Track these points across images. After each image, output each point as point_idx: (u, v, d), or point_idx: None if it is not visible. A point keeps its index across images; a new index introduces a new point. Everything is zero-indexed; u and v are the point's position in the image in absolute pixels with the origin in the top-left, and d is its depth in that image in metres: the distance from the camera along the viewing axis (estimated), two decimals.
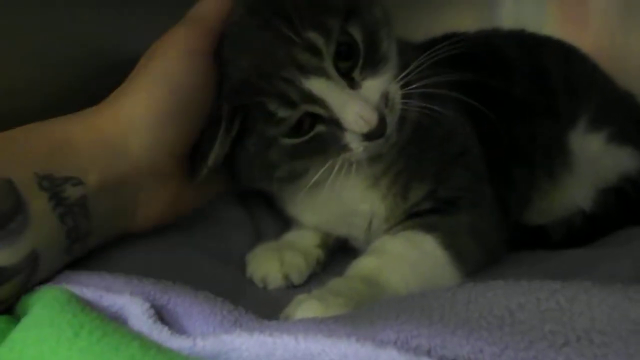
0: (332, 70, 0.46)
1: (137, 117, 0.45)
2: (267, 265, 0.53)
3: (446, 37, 0.72)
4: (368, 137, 0.46)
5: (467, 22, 0.95)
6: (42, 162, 0.39)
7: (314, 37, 0.45)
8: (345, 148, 0.47)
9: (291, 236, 0.58)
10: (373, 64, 0.47)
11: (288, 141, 0.47)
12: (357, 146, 0.47)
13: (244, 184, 0.55)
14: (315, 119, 0.47)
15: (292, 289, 0.53)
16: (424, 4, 0.97)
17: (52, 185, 0.38)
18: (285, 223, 0.63)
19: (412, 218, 0.54)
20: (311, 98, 0.45)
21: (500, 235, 0.56)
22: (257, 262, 0.54)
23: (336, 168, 0.48)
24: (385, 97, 0.47)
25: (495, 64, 0.67)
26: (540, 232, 0.64)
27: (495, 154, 0.59)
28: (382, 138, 0.46)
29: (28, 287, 0.38)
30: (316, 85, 0.45)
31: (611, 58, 0.85)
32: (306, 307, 0.41)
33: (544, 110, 0.67)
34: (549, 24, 0.91)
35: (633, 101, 0.74)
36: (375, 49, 0.48)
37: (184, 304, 0.39)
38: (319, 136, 0.47)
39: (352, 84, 0.46)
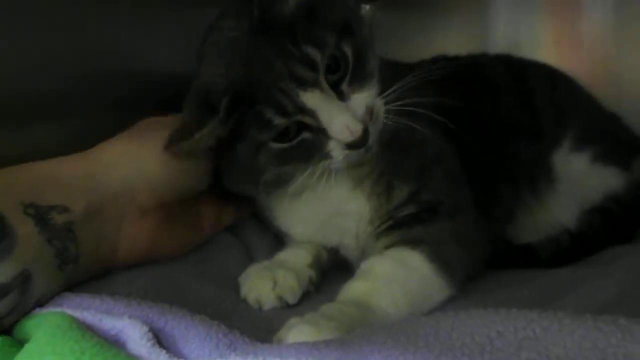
0: (325, 84, 0.48)
1: (118, 156, 0.50)
2: (261, 286, 0.54)
3: (435, 60, 0.75)
4: (350, 146, 0.49)
5: (461, 43, 0.98)
6: (28, 193, 0.42)
7: (313, 52, 0.48)
8: (327, 155, 0.50)
9: (283, 256, 0.59)
10: (360, 79, 0.50)
11: (276, 146, 0.50)
12: (338, 154, 0.50)
13: (228, 187, 0.57)
14: (302, 126, 0.49)
15: (287, 308, 0.54)
16: (420, 25, 1.00)
17: (37, 212, 0.41)
18: (275, 244, 0.64)
19: (396, 229, 0.55)
20: (304, 109, 0.48)
21: (483, 236, 0.57)
22: (250, 284, 0.55)
23: (317, 174, 0.51)
24: (370, 111, 0.50)
25: (482, 86, 0.70)
26: (528, 251, 0.66)
27: (481, 170, 0.61)
28: (363, 148, 0.49)
29: (26, 305, 0.40)
30: (310, 98, 0.48)
31: (604, 78, 0.88)
32: (298, 331, 0.42)
33: (528, 130, 0.69)
34: (542, 45, 0.93)
35: (618, 122, 0.76)
36: (362, 65, 0.51)
37: (181, 327, 0.40)
38: (304, 142, 0.50)
39: (341, 96, 0.49)
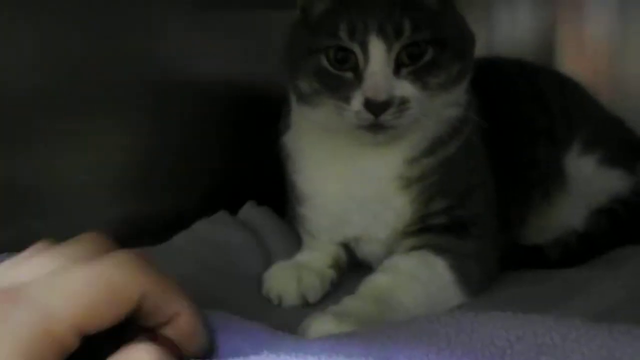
0: (394, 52, 0.52)
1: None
2: (285, 283, 0.56)
3: None
4: (366, 104, 0.51)
5: None
6: None
7: (407, 27, 0.51)
8: (347, 99, 0.52)
9: (304, 256, 0.61)
10: (420, 79, 0.53)
11: (324, 62, 0.54)
12: (354, 104, 0.52)
13: (281, 67, 0.60)
14: (352, 66, 0.53)
15: (306, 307, 0.56)
16: None
17: None
18: (292, 243, 0.67)
19: (425, 232, 0.58)
20: (365, 47, 0.52)
21: (497, 263, 0.61)
22: (274, 280, 0.57)
23: (334, 112, 0.54)
24: (403, 102, 0.52)
25: (502, 88, 0.71)
26: (538, 252, 0.67)
27: (502, 174, 0.63)
28: (372, 117, 0.51)
29: None
30: (377, 45, 0.51)
31: (608, 82, 0.90)
32: (320, 323, 0.44)
33: (545, 134, 0.71)
34: (547, 49, 0.94)
35: (623, 126, 0.78)
36: (428, 75, 0.53)
37: (212, 324, 0.41)
38: (341, 78, 0.53)
39: (396, 72, 0.52)
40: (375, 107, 0.51)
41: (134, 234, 0.64)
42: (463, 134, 0.59)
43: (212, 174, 0.78)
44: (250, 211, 0.73)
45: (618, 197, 0.71)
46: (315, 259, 0.61)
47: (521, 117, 0.71)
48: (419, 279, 0.53)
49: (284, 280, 0.57)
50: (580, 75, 0.81)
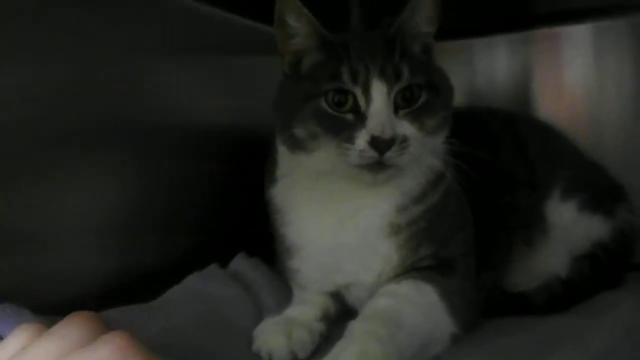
0: (392, 94, 0.55)
1: None
2: (275, 340, 0.56)
3: None
4: (372, 142, 0.53)
5: None
6: None
7: (405, 71, 0.55)
8: (351, 139, 0.54)
9: (293, 311, 0.62)
10: (417, 120, 0.56)
11: (324, 105, 0.56)
12: (359, 143, 0.54)
13: (273, 112, 0.62)
14: (352, 108, 0.56)
15: None
16: None
17: None
18: (283, 294, 0.67)
19: (414, 271, 0.60)
20: (368, 91, 0.55)
21: (481, 303, 0.63)
22: (264, 337, 0.57)
23: (336, 153, 0.55)
24: (405, 140, 0.55)
25: (484, 137, 0.74)
26: (523, 299, 0.69)
27: (482, 220, 0.65)
28: (377, 155, 0.54)
29: None
30: (378, 88, 0.55)
31: (585, 126, 0.93)
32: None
33: (524, 182, 0.73)
34: (525, 94, 0.98)
35: (601, 170, 0.80)
36: (424, 117, 0.57)
37: None
38: (343, 120, 0.56)
39: (395, 112, 0.56)
40: (381, 144, 0.53)
41: (123, 286, 0.64)
42: (445, 180, 0.61)
43: (202, 224, 0.78)
44: (241, 263, 0.74)
45: (599, 242, 0.73)
46: (305, 312, 0.61)
47: (500, 165, 0.73)
48: (416, 303, 0.56)
49: (274, 336, 0.57)
50: (558, 118, 0.84)
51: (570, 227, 0.73)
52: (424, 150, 0.57)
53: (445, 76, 0.62)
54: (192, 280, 0.67)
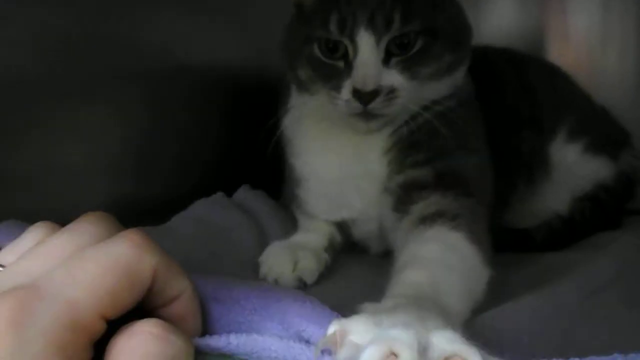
0: (383, 43, 0.53)
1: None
2: (281, 266, 0.57)
3: None
4: (355, 93, 0.53)
5: None
6: None
7: (397, 18, 0.53)
8: (338, 87, 0.54)
9: (300, 238, 0.62)
10: (410, 69, 0.54)
11: (316, 52, 0.56)
12: (344, 93, 0.54)
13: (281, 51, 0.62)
14: (343, 55, 0.55)
15: (303, 288, 0.56)
16: None
17: None
18: (286, 224, 0.68)
19: (423, 199, 0.56)
20: (353, 40, 0.53)
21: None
22: (270, 263, 0.58)
23: (326, 100, 0.56)
24: (392, 91, 0.53)
25: (491, 77, 0.73)
26: (523, 235, 0.70)
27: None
28: (361, 106, 0.53)
29: None
30: (365, 37, 0.53)
31: (589, 70, 0.92)
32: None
33: (529, 123, 0.73)
34: (531, 38, 0.97)
35: (606, 114, 0.80)
36: (419, 65, 0.55)
37: (213, 293, 0.39)
38: (333, 67, 0.55)
39: (386, 61, 0.54)
40: (363, 96, 0.53)
41: (132, 215, 0.65)
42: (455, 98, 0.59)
43: (207, 158, 0.79)
44: (245, 194, 0.75)
45: (601, 184, 0.74)
46: (311, 240, 0.62)
47: (507, 106, 0.73)
48: (451, 266, 0.47)
49: (280, 262, 0.57)
50: (564, 65, 0.83)
51: (573, 168, 0.74)
52: (420, 97, 0.56)
53: (459, 17, 0.60)
54: (197, 207, 0.68)
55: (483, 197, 0.59)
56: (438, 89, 0.58)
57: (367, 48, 0.53)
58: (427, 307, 0.39)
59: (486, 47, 0.80)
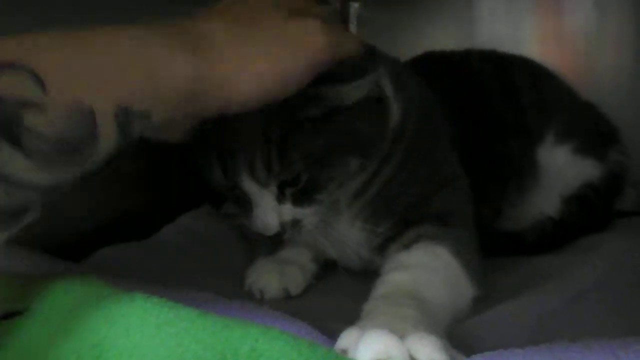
0: (274, 188, 0.50)
1: (227, 75, 0.41)
2: (267, 277, 0.57)
3: (425, 57, 0.78)
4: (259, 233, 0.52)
5: (448, 38, 1.01)
6: (126, 94, 0.36)
7: (277, 169, 0.49)
8: (249, 217, 0.53)
9: (286, 252, 0.62)
10: (302, 200, 0.51)
11: (218, 179, 0.51)
12: (250, 226, 0.53)
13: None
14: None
15: (289, 299, 0.57)
16: (407, 22, 1.03)
17: (126, 120, 0.36)
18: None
19: (411, 228, 0.55)
20: (241, 188, 0.51)
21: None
22: (256, 275, 0.58)
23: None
24: (297, 222, 0.52)
25: (472, 85, 0.72)
26: (514, 238, 0.70)
27: (472, 170, 0.63)
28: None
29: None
30: (251, 185, 0.50)
31: (585, 71, 0.92)
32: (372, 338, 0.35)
33: (516, 128, 0.72)
34: (526, 40, 0.97)
35: (595, 112, 0.79)
36: (310, 193, 0.51)
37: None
38: (237, 196, 0.53)
39: (280, 197, 0.51)
40: (269, 235, 0.52)
41: (119, 227, 0.65)
42: (398, 151, 0.56)
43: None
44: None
45: (590, 183, 0.73)
46: (297, 253, 0.62)
47: (492, 113, 0.72)
48: (434, 269, 0.49)
49: (265, 274, 0.58)
50: (558, 66, 0.83)
51: (562, 170, 0.73)
52: (337, 203, 0.54)
53: (367, 113, 0.51)
54: (185, 220, 0.68)
55: (465, 220, 0.58)
56: (359, 180, 0.55)
57: (256, 195, 0.50)
58: (407, 304, 0.42)
59: (468, 51, 0.80)
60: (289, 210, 0.51)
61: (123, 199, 0.69)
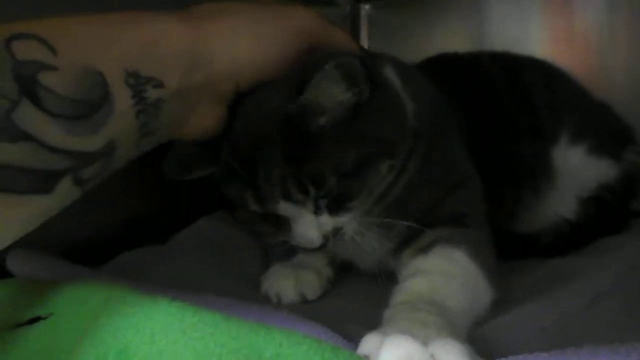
0: (310, 205, 0.50)
1: (225, 38, 0.45)
2: (283, 281, 0.58)
3: (439, 58, 0.78)
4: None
5: (458, 39, 1.01)
6: (132, 59, 0.40)
7: (310, 187, 0.49)
8: (285, 236, 0.53)
9: (302, 257, 0.62)
10: (337, 208, 0.51)
11: (254, 207, 0.52)
12: (293, 243, 0.53)
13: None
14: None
15: (305, 304, 0.57)
16: (418, 23, 1.03)
17: (136, 84, 0.39)
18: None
19: (426, 231, 0.54)
20: (278, 213, 0.51)
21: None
22: (273, 280, 0.58)
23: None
24: (337, 231, 0.52)
25: (483, 87, 0.72)
26: (529, 240, 0.70)
27: (485, 172, 0.62)
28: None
29: (104, 174, 0.40)
30: (288, 207, 0.50)
31: (597, 71, 0.92)
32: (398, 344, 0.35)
33: (529, 130, 0.72)
34: (537, 40, 0.96)
35: (609, 112, 0.79)
36: (344, 200, 0.51)
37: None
38: (275, 217, 0.52)
39: (317, 210, 0.51)
40: (313, 248, 0.52)
41: (135, 233, 0.65)
42: (418, 148, 0.56)
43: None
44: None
45: (606, 184, 0.73)
46: (313, 258, 0.62)
47: (505, 115, 0.72)
48: (452, 275, 0.48)
49: (282, 278, 0.58)
50: (569, 65, 0.83)
51: (578, 171, 0.73)
52: (370, 206, 0.53)
53: (388, 114, 0.53)
54: (201, 224, 0.69)
55: (480, 221, 0.58)
56: (387, 181, 0.54)
57: (295, 215, 0.51)
58: (427, 310, 0.42)
59: (481, 53, 0.80)
60: (328, 220, 0.51)
61: (139, 203, 0.70)
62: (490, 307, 0.49)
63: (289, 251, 0.63)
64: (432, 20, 1.03)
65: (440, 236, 0.53)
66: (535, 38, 0.97)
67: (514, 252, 0.66)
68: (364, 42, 1.09)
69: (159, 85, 0.41)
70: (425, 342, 0.34)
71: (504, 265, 0.62)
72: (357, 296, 0.59)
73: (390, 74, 0.56)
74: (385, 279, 0.54)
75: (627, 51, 0.91)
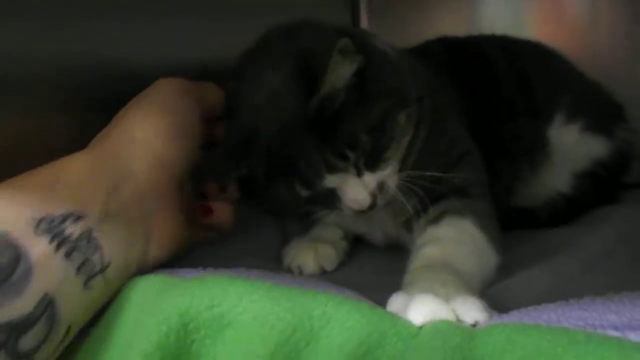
0: (352, 169, 0.53)
1: (138, 136, 0.47)
2: (303, 255, 0.62)
3: (439, 41, 0.82)
4: (357, 211, 0.55)
5: (452, 22, 1.06)
6: (37, 204, 0.38)
7: (347, 151, 0.52)
8: (335, 207, 0.56)
9: (318, 231, 0.67)
10: (375, 163, 0.54)
11: (305, 192, 0.54)
12: (347, 211, 0.56)
13: (266, 214, 0.65)
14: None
15: (325, 274, 0.61)
16: (414, 7, 1.06)
17: (50, 227, 0.37)
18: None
19: (434, 203, 0.58)
20: (325, 187, 0.53)
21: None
22: (293, 254, 0.62)
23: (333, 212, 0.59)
24: (381, 186, 0.55)
25: (483, 68, 0.76)
26: (528, 213, 0.75)
27: (484, 149, 0.67)
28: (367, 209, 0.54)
29: (57, 336, 0.36)
30: (335, 179, 0.53)
31: (584, 50, 0.97)
32: (424, 302, 0.39)
33: (525, 109, 0.76)
34: (529, 23, 1.02)
35: (601, 91, 0.83)
36: (380, 153, 0.54)
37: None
38: (323, 195, 0.55)
39: (358, 171, 0.54)
40: (365, 209, 0.54)
41: None
42: (424, 116, 0.59)
43: None
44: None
45: (599, 160, 0.78)
46: (329, 232, 0.66)
47: (503, 96, 0.76)
48: (462, 242, 0.53)
49: (302, 252, 0.62)
50: (556, 46, 0.87)
51: (572, 148, 0.77)
52: (400, 163, 0.56)
53: (396, 73, 0.57)
54: None
55: (483, 191, 0.62)
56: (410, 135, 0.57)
57: (341, 184, 0.53)
58: (445, 271, 0.47)
59: (479, 36, 0.84)
60: (371, 178, 0.54)
61: None
62: (495, 271, 0.54)
63: (306, 227, 0.68)
64: (431, 4, 1.06)
65: (449, 208, 0.58)
66: (527, 20, 1.02)
67: (513, 224, 0.70)
68: (364, 26, 1.12)
69: (80, 218, 0.39)
70: (446, 299, 0.39)
71: (505, 235, 0.68)
72: (370, 267, 0.64)
73: (381, 45, 0.59)
74: (396, 252, 0.59)
75: (610, 32, 0.97)
